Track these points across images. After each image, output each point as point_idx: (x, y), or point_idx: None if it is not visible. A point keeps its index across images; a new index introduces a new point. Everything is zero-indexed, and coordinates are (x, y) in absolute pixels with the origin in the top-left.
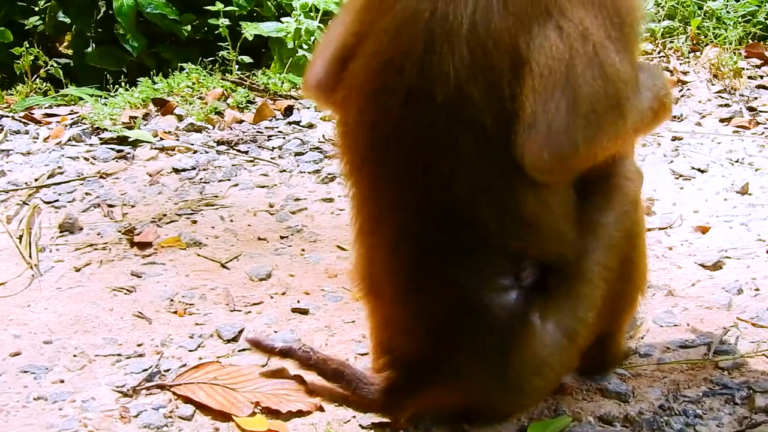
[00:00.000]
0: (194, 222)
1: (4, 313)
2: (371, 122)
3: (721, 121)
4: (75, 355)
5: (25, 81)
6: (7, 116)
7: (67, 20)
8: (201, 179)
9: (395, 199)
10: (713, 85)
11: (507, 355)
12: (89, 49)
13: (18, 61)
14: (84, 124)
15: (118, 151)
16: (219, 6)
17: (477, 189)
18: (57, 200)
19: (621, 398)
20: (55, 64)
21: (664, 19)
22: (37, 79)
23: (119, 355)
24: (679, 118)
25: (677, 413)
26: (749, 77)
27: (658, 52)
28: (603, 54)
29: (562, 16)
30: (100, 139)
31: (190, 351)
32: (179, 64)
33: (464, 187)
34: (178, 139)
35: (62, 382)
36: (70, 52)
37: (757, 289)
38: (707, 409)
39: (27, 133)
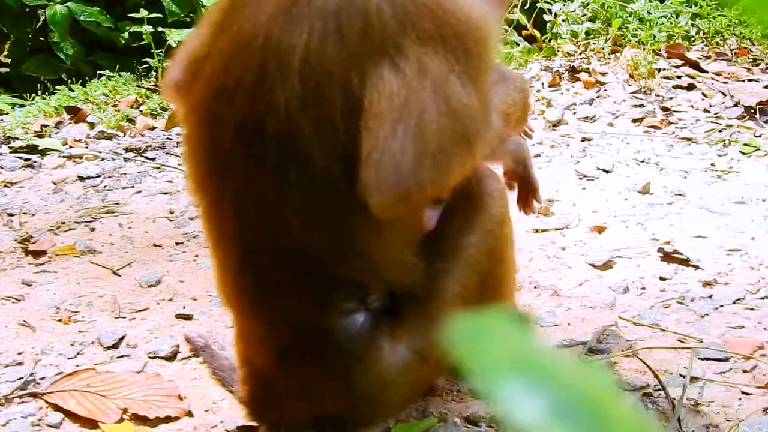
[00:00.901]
0: (92, 230)
1: None
2: (207, 148)
3: (634, 121)
4: None
5: None
6: None
7: (4, 29)
8: (105, 187)
9: (234, 224)
10: (630, 85)
11: (350, 377)
12: (27, 58)
13: None
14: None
15: (26, 159)
16: (143, 13)
17: (308, 223)
18: None
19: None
20: None
21: (586, 21)
22: None
23: None
24: (591, 119)
25: None
26: (666, 77)
27: (580, 53)
28: (447, 89)
29: (398, 54)
30: (10, 147)
31: (69, 359)
32: (98, 72)
33: (296, 220)
34: (87, 147)
35: None
36: (8, 60)
37: (643, 288)
38: None
39: None
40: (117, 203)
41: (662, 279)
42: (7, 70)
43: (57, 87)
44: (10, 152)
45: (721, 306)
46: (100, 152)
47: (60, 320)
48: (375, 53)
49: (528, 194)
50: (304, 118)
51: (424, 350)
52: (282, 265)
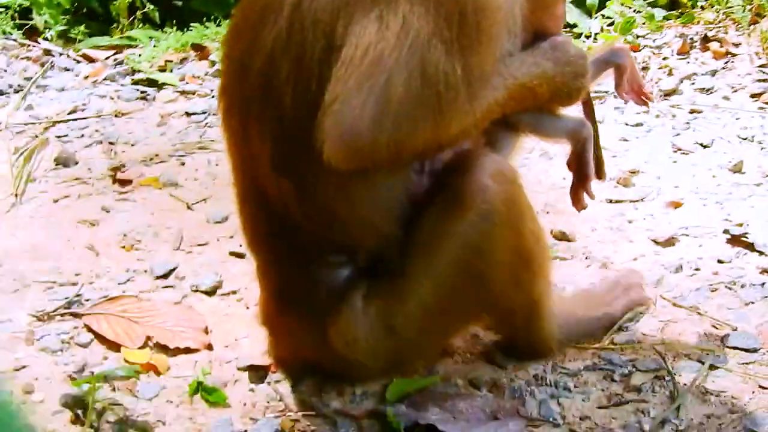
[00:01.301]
0: (182, 164)
1: None
2: (222, 88)
3: (752, 96)
4: (15, 279)
5: (120, 23)
6: (64, 54)
7: None
8: (207, 124)
9: (235, 164)
10: (760, 58)
11: (323, 327)
12: None
13: (115, 3)
14: (126, 65)
15: (142, 92)
16: None
17: (278, 167)
18: (67, 135)
19: (500, 365)
20: (151, 6)
21: None
22: (135, 21)
23: (54, 282)
24: (708, 90)
25: (548, 384)
26: None
27: (719, 22)
28: (426, 53)
29: (388, 6)
30: (132, 80)
31: (119, 284)
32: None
33: (268, 164)
34: (202, 84)
35: None
36: None
37: (696, 269)
38: (581, 383)
39: (72, 70)
40: (213, 140)
41: (720, 262)
42: (180, 3)
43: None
44: (131, 84)
45: None
46: (212, 90)
47: (123, 247)
48: (366, 2)
49: (579, 185)
50: (285, 60)
51: (393, 324)
52: (266, 212)
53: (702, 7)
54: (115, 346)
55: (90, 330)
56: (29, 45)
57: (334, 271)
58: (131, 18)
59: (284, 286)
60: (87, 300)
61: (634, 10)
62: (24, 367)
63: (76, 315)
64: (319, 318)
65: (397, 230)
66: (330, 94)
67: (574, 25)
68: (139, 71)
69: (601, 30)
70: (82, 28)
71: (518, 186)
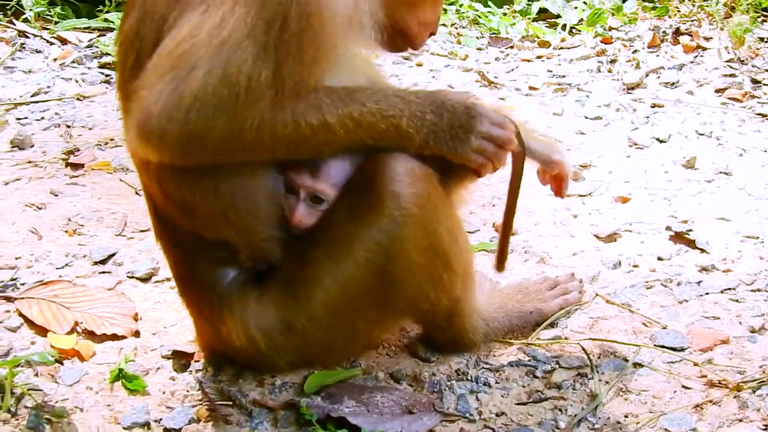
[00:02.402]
0: None
1: None
2: None
3: (716, 91)
4: None
5: (106, 4)
6: (38, 36)
7: None
8: None
9: None
10: (728, 53)
11: (217, 322)
12: None
13: None
14: (96, 47)
15: (107, 76)
16: None
17: (136, 160)
18: (27, 117)
19: (423, 359)
20: None
21: None
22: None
23: None
24: (673, 84)
25: (469, 379)
26: None
27: (693, 15)
28: (233, 54)
29: (214, 3)
30: (99, 63)
31: (57, 268)
32: None
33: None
34: None
35: None
36: None
37: (635, 266)
38: (502, 379)
39: (42, 52)
40: None
41: (659, 259)
42: None
43: None
44: (98, 67)
45: (706, 294)
46: None
47: (66, 232)
48: None
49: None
50: (132, 51)
51: (292, 324)
52: (148, 200)
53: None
54: (43, 331)
55: (20, 314)
56: (4, 26)
57: (219, 267)
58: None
59: (178, 275)
60: (23, 284)
61: (600, 2)
62: None
63: (9, 299)
64: (215, 313)
65: (272, 232)
66: (141, 80)
67: (558, 16)
68: (108, 54)
69: (580, 21)
70: (58, 9)
71: (431, 184)
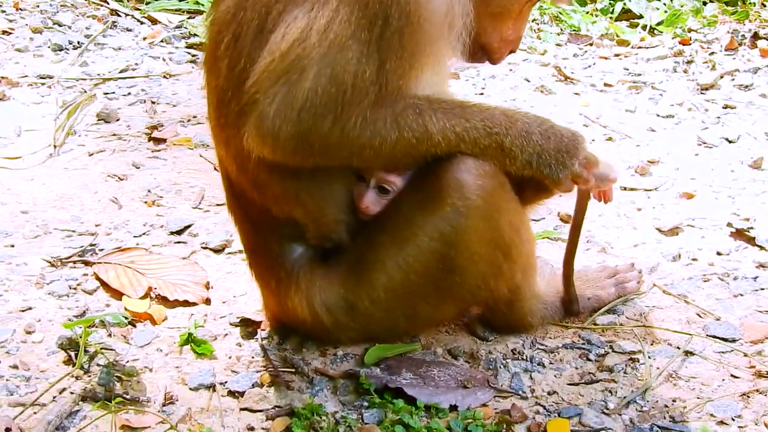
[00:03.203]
0: None
1: (7, 183)
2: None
3: None
4: (37, 226)
5: None
6: (130, 15)
7: None
8: None
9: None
10: None
11: (285, 294)
12: None
13: None
14: (185, 28)
15: (193, 55)
16: None
17: (218, 138)
18: (114, 92)
19: (480, 338)
20: None
21: None
22: None
23: (73, 231)
24: (747, 87)
25: (524, 359)
26: None
27: None
28: (339, 53)
29: (320, 1)
30: (187, 43)
31: (134, 237)
32: None
33: (213, 132)
34: None
35: (12, 246)
36: None
37: (694, 259)
38: (556, 360)
39: (132, 31)
40: None
41: (718, 254)
42: None
43: None
44: (186, 47)
45: (762, 289)
46: None
47: (146, 202)
48: None
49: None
50: (227, 33)
51: (353, 303)
52: (223, 172)
53: (763, 4)
54: (118, 295)
55: (97, 278)
56: (98, 4)
57: (287, 243)
58: None
59: (248, 248)
60: (101, 250)
61: (680, 5)
62: (30, 308)
63: (87, 263)
64: (281, 287)
65: (340, 215)
66: (253, 81)
67: (640, 16)
68: (195, 35)
69: (660, 23)
70: None
71: (498, 180)
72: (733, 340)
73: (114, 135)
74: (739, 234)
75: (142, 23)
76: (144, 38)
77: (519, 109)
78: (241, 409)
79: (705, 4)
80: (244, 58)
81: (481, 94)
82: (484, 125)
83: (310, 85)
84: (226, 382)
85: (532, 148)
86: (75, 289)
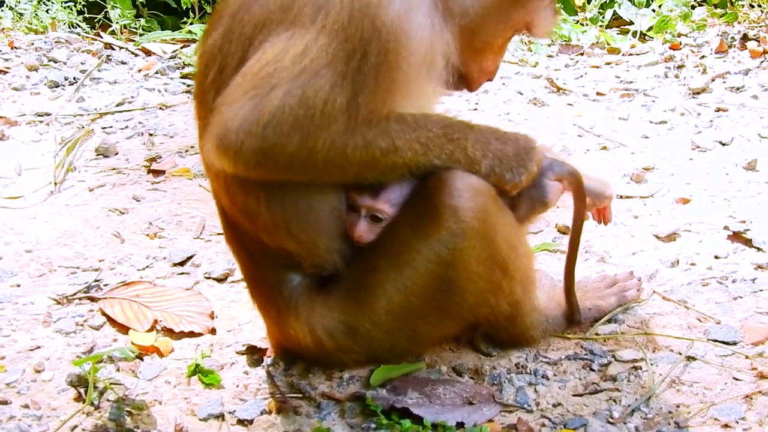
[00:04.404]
0: None
1: (10, 223)
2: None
3: None
4: (42, 264)
5: (189, 16)
6: (124, 48)
7: None
8: None
9: None
10: None
11: (284, 323)
12: None
13: None
14: (179, 58)
15: (188, 86)
16: None
17: (209, 170)
18: (111, 126)
19: (484, 354)
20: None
21: None
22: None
23: (77, 267)
24: (738, 89)
25: (528, 372)
26: None
27: (761, 21)
28: (312, 80)
29: (300, 31)
30: (181, 74)
31: (138, 270)
32: None
33: (205, 165)
34: None
35: (18, 286)
36: None
37: (692, 264)
38: (560, 372)
39: (127, 64)
40: None
41: (716, 257)
42: None
43: None
44: (180, 77)
45: (760, 290)
46: None
47: (147, 235)
48: (286, 23)
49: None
50: (213, 66)
51: (358, 328)
52: (218, 205)
53: (751, 5)
54: (124, 329)
55: (103, 313)
56: (92, 38)
57: (285, 272)
58: (201, 13)
59: (247, 278)
60: (105, 285)
61: (669, 10)
62: (38, 347)
63: (92, 299)
64: (282, 315)
65: (333, 244)
66: (222, 97)
67: (630, 23)
68: (190, 65)
69: (650, 29)
70: (143, 22)
71: (490, 198)
72: (734, 343)
73: (113, 169)
74: (736, 236)
75: (136, 55)
76: (139, 70)
77: (473, 120)
78: None
79: (694, 8)
80: (227, 82)
81: (475, 109)
82: (444, 132)
83: (278, 104)
84: (234, 411)
85: (492, 153)
86: (82, 325)
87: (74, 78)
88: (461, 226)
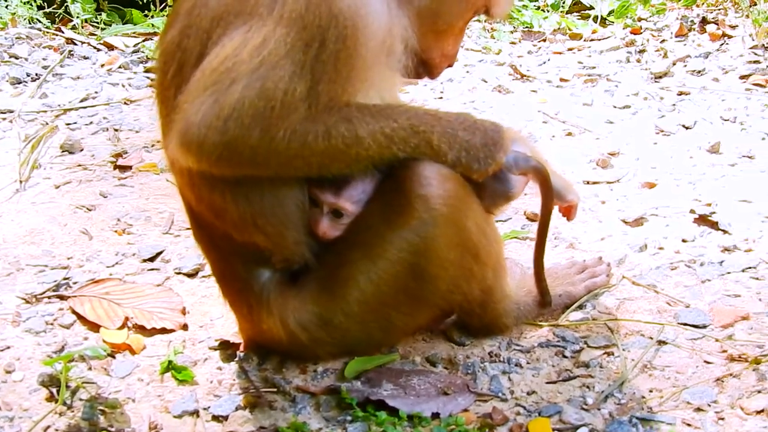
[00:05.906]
0: None
1: None
2: None
3: (741, 78)
4: (9, 263)
5: (151, 9)
6: (86, 42)
7: None
8: None
9: None
10: (753, 40)
11: (256, 317)
12: None
13: None
14: (142, 52)
15: (152, 79)
16: None
17: (174, 167)
18: (76, 122)
19: (457, 343)
20: None
21: None
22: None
23: (45, 266)
24: (699, 72)
25: (501, 360)
26: None
27: (719, 4)
28: (270, 71)
29: (257, 23)
30: (145, 68)
31: (107, 267)
32: None
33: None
34: None
35: None
36: None
37: (660, 248)
38: (533, 359)
39: (90, 59)
40: None
41: (683, 241)
42: None
43: None
44: (144, 72)
45: (728, 273)
46: None
47: (116, 231)
48: (243, 15)
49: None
50: (172, 62)
51: (328, 318)
52: (185, 201)
53: None
54: (95, 327)
55: (73, 312)
56: (53, 34)
57: (254, 267)
58: (162, 5)
59: (217, 274)
60: (75, 283)
61: None
62: (8, 347)
63: (62, 297)
64: (254, 311)
65: (301, 237)
66: (183, 95)
67: (591, 8)
68: (153, 59)
69: (611, 13)
70: (104, 16)
71: (458, 183)
72: (704, 326)
73: (79, 165)
74: (703, 219)
75: (98, 50)
76: (102, 65)
77: (441, 109)
78: None
79: None
80: (186, 80)
81: (441, 97)
82: (410, 124)
83: (238, 97)
84: (209, 407)
85: (459, 144)
86: (52, 324)
87: (36, 74)
88: (432, 214)
